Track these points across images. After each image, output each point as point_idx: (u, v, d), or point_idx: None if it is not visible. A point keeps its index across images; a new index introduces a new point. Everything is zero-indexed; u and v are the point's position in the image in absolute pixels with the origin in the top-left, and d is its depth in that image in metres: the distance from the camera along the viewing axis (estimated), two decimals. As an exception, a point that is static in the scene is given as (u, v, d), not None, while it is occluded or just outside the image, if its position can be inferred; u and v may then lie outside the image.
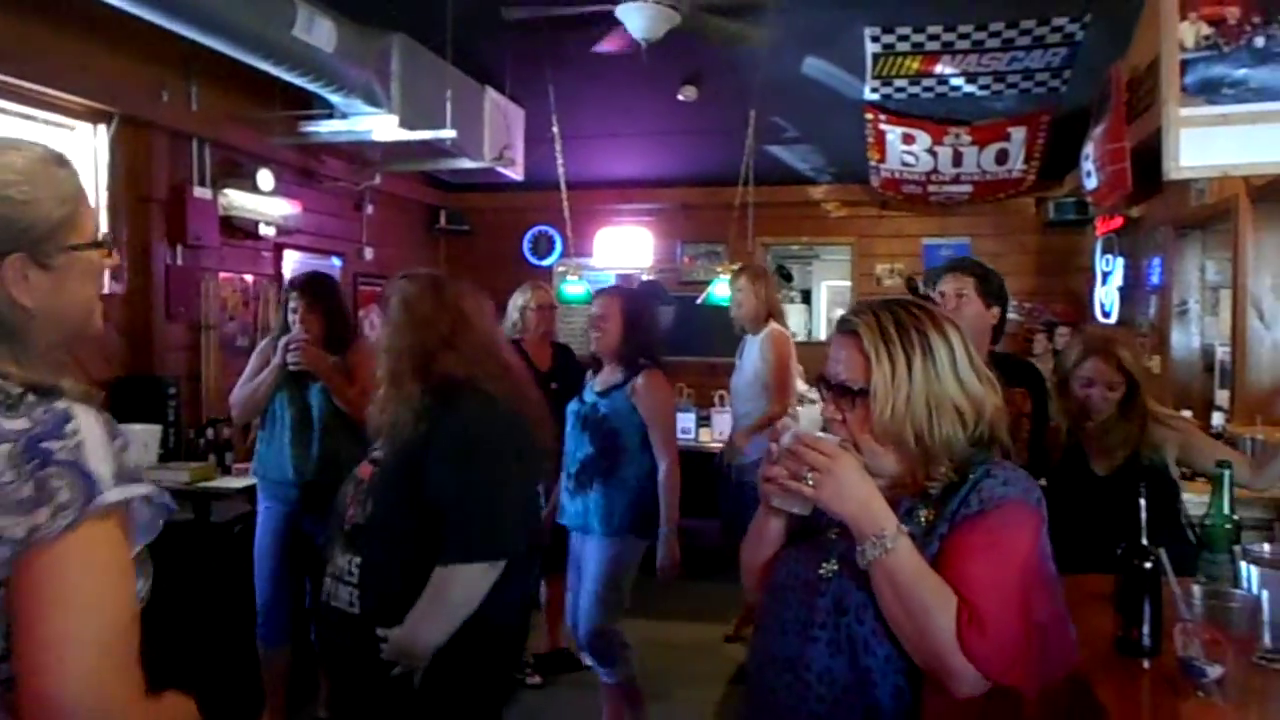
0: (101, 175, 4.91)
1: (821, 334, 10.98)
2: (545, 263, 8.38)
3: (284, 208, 6.03)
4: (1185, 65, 3.33)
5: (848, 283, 8.77)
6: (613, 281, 8.25)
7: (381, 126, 5.47)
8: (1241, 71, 3.26)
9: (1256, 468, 2.39)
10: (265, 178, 5.83)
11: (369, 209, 7.24)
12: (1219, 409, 5.30)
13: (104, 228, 1.16)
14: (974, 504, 1.44)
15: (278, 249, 6.22)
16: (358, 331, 3.84)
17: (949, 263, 2.82)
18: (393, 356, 2.22)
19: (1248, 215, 4.94)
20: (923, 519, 1.48)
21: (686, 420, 6.39)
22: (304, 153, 6.27)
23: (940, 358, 1.49)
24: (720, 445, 5.25)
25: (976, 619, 1.34)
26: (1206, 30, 3.29)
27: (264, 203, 5.84)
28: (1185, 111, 3.33)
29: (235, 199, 5.61)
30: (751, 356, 4.94)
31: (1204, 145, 3.33)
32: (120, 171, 4.97)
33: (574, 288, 7.50)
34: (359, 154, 6.71)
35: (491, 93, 6.34)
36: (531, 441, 2.29)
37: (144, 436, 4.59)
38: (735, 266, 6.13)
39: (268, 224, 5.92)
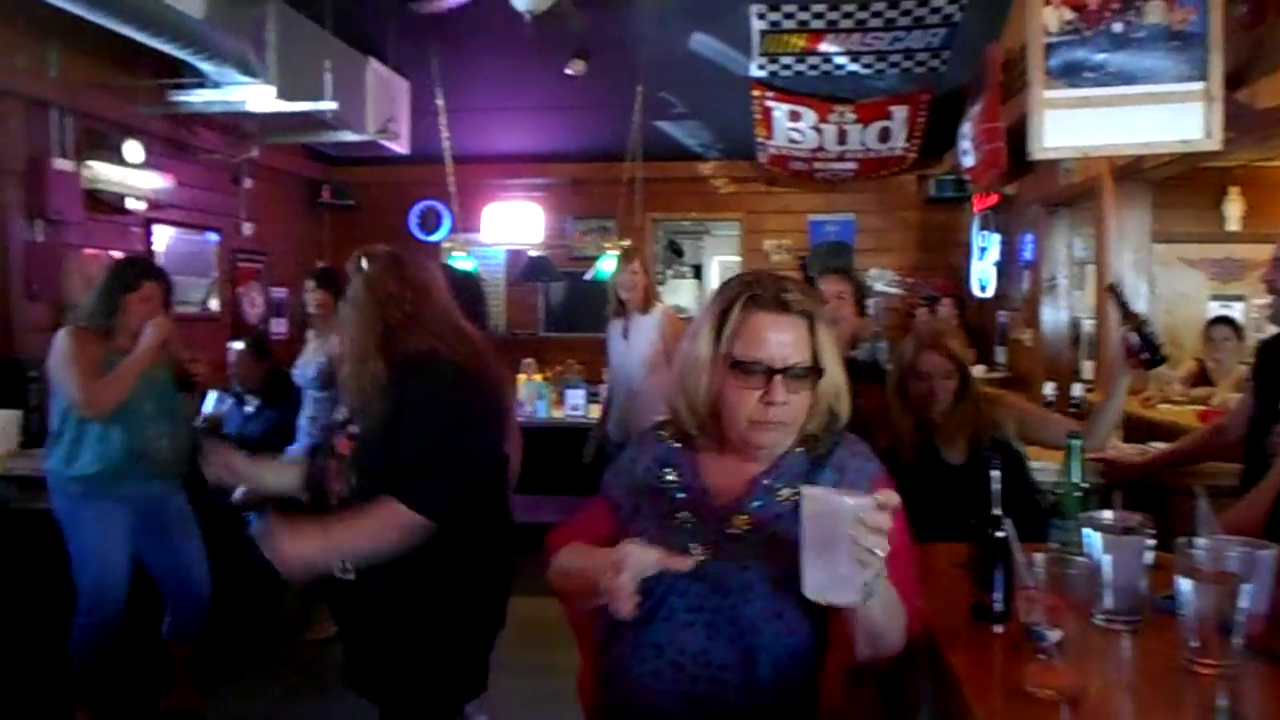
0: (-51, 145, 4.63)
1: (713, 309, 11.06)
2: (433, 238, 8.22)
3: (154, 181, 5.77)
4: (1049, 49, 3.45)
5: (739, 258, 8.86)
6: (501, 258, 8.20)
7: (257, 97, 5.28)
8: (1101, 56, 3.39)
9: (1086, 432, 2.51)
10: (133, 149, 5.57)
11: (247, 182, 6.99)
12: (1084, 381, 5.55)
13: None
14: (850, 482, 1.47)
15: (148, 224, 5.96)
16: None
17: (832, 265, 2.93)
18: (358, 334, 2.26)
19: (1110, 194, 5.16)
20: (784, 497, 1.49)
21: (576, 396, 6.38)
22: (175, 123, 6.01)
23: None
24: (610, 421, 5.25)
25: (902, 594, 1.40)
26: (1069, 15, 3.41)
27: (132, 175, 5.58)
28: (1049, 94, 3.45)
29: (100, 171, 5.35)
30: (647, 337, 4.92)
31: (1067, 126, 3.45)
32: (-29, 141, 4.69)
33: (460, 263, 7.37)
34: (235, 125, 6.46)
35: (374, 63, 6.18)
36: (494, 404, 2.39)
37: (1, 423, 4.37)
38: (623, 246, 6.10)
39: (136, 198, 5.66)
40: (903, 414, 2.70)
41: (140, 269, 3.69)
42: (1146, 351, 2.35)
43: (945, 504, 2.28)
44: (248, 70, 5.07)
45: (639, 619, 1.48)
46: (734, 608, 1.44)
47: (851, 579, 1.22)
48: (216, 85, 5.28)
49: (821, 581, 1.23)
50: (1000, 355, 6.82)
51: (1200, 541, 1.46)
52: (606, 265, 6.73)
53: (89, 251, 5.42)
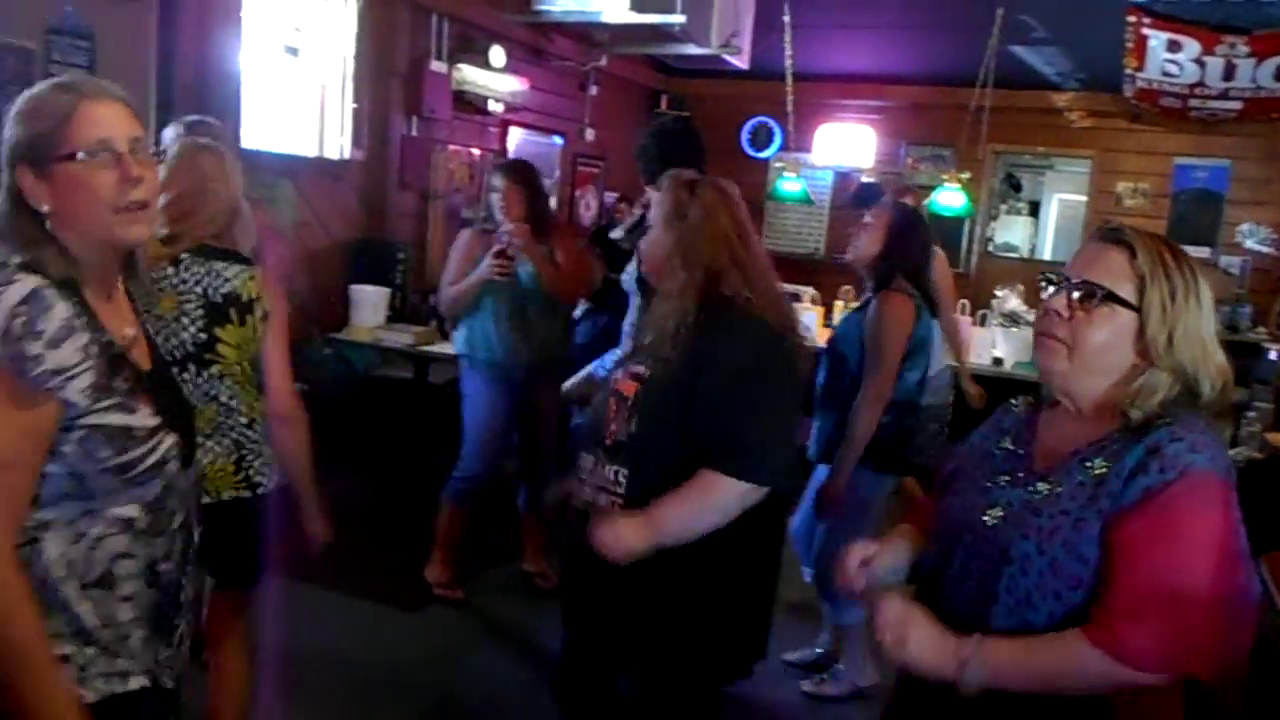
0: (349, 46, 5.16)
1: (1046, 251, 10.35)
2: (763, 155, 8.23)
3: (512, 84, 6.16)
4: None
5: (1083, 198, 8.19)
6: (829, 179, 8.07)
7: (612, 7, 5.48)
8: None
9: None
10: (497, 54, 5.96)
11: (593, 89, 7.29)
12: None
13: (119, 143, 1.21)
14: (1154, 470, 1.33)
15: (504, 125, 6.40)
16: (558, 216, 3.87)
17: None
18: (680, 268, 2.10)
19: None
20: (1094, 470, 1.39)
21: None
22: (535, 31, 6.35)
23: (1205, 306, 1.42)
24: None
25: (1134, 612, 1.29)
26: None
27: (494, 79, 5.99)
28: None
29: (468, 74, 5.79)
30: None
31: None
32: (367, 44, 5.21)
33: (790, 184, 7.33)
34: (588, 34, 6.73)
35: (724, -23, 6.18)
36: (798, 371, 2.21)
37: (374, 298, 4.92)
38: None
39: (496, 100, 6.08)
40: None
41: (496, 168, 4.03)
42: None
43: None
44: (605, -19, 5.26)
45: (943, 583, 1.50)
46: (1013, 577, 1.39)
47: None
48: (577, -5, 5.54)
49: None
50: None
51: None
52: (944, 198, 6.45)
53: (453, 148, 5.91)
